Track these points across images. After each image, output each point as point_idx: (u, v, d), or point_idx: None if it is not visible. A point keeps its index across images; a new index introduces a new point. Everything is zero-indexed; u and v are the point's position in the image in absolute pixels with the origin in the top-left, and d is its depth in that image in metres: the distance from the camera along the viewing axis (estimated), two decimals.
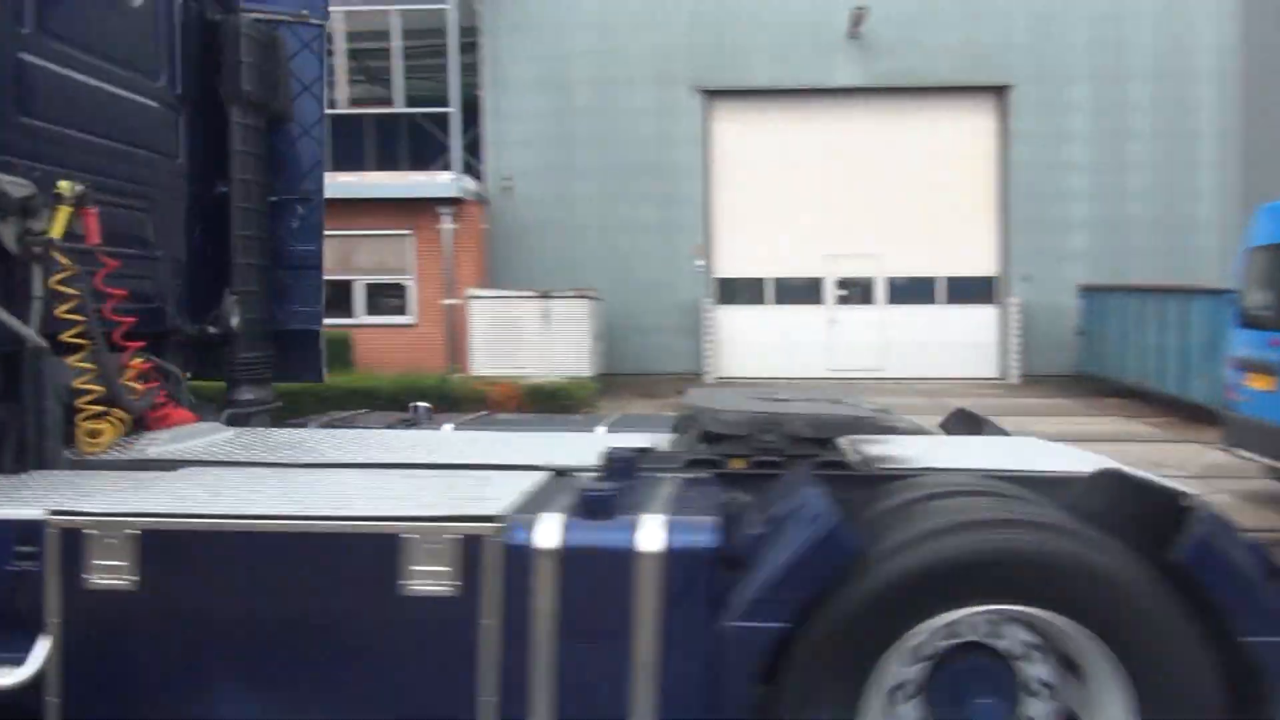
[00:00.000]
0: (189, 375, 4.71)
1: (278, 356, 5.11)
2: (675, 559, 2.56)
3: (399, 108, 16.68)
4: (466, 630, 2.57)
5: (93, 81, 3.90)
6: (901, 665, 2.64)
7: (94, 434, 3.58)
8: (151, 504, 2.81)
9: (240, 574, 2.68)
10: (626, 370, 16.23)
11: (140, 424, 3.92)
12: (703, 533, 2.61)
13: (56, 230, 3.44)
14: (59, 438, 3.49)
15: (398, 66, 15.95)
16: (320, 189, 5.31)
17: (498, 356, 14.39)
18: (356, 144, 21.75)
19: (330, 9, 16.47)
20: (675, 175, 17.02)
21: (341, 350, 14.52)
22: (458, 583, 2.57)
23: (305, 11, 5.11)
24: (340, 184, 16.21)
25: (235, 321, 4.71)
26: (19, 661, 2.60)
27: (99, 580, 2.62)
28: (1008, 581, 2.53)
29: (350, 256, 16.20)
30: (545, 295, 14.73)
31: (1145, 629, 2.48)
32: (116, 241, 3.93)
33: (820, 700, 2.51)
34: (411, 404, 5.07)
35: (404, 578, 2.58)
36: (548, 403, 7.52)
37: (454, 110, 15.86)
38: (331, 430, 4.38)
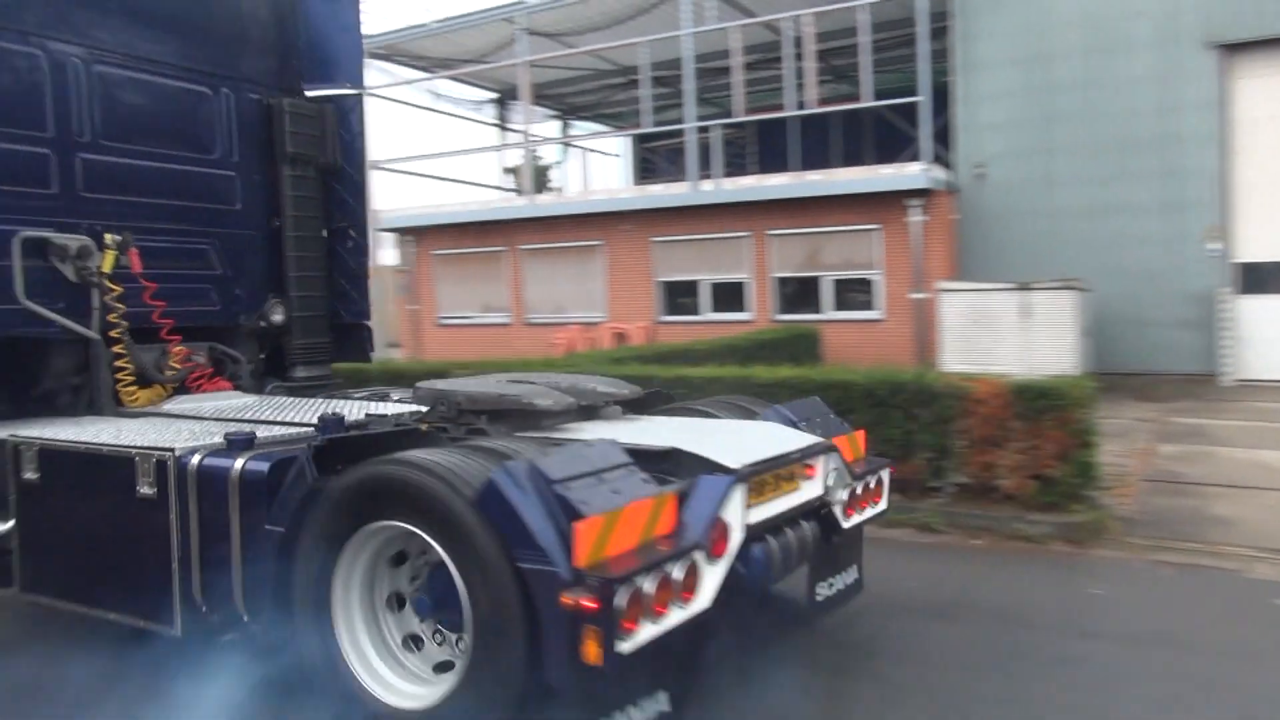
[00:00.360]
0: (263, 356, 6.58)
1: (335, 343, 6.75)
2: (245, 479, 3.91)
3: (866, 103, 16.56)
4: (164, 519, 4.08)
5: (149, 161, 5.88)
6: (408, 586, 3.72)
7: (132, 395, 5.58)
8: (71, 435, 4.60)
9: (76, 474, 4.43)
10: (1120, 368, 14.51)
11: (185, 389, 5.87)
12: (263, 464, 3.90)
13: (106, 266, 5.45)
14: (110, 396, 5.53)
15: (865, 62, 15.84)
16: (365, 217, 6.96)
17: (969, 352, 13.65)
18: (823, 143, 22.15)
19: (799, 14, 16.69)
20: (1181, 147, 14.84)
21: (811, 344, 14.81)
22: (156, 489, 4.11)
23: (347, 85, 6.81)
24: (808, 183, 16.57)
25: (276, 318, 6.49)
26: (5, 519, 4.65)
27: (28, 474, 4.55)
28: (376, 499, 3.50)
29: (818, 254, 16.46)
30: (1024, 287, 13.65)
31: (468, 546, 3.21)
32: (183, 265, 6.04)
33: (300, 586, 3.68)
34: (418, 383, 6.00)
35: (138, 484, 4.16)
36: (1036, 402, 6.91)
37: (923, 99, 15.36)
38: (295, 400, 5.78)
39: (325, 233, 6.77)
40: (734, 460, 3.73)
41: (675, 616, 3.22)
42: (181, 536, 4.03)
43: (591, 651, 2.96)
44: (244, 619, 3.94)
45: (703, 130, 17.38)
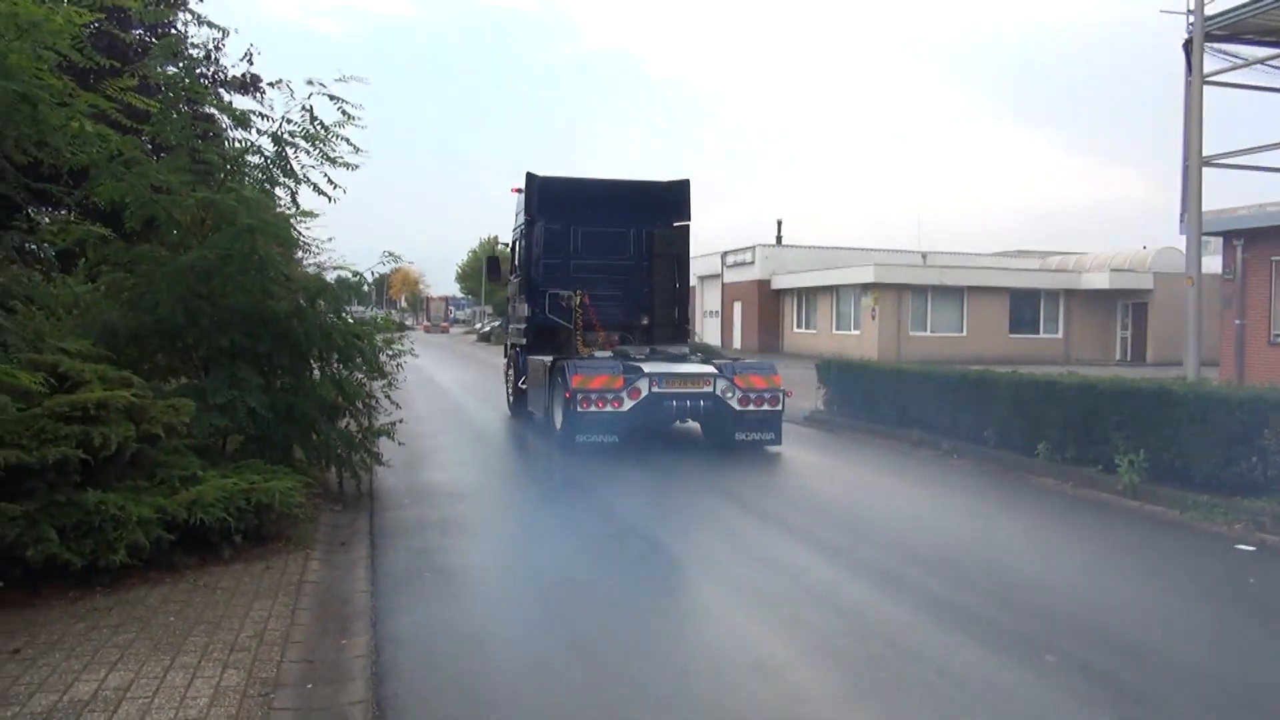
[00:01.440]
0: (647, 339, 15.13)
1: (672, 333, 14.93)
2: (545, 365, 13.83)
3: None
4: (551, 379, 13.34)
5: (600, 261, 15.20)
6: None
7: (579, 349, 14.31)
8: (543, 358, 14.26)
9: (535, 367, 14.76)
10: None
11: (601, 348, 14.37)
12: (549, 361, 13.64)
13: (576, 304, 14.70)
14: (573, 348, 14.29)
15: None
16: (688, 279, 15.45)
17: None
18: None
19: None
20: None
21: None
22: (541, 372, 14.06)
23: (686, 219, 15.38)
24: None
25: (645, 321, 15.14)
26: (523, 382, 16.14)
27: (524, 366, 15.83)
28: (555, 371, 13.17)
29: None
30: None
31: (561, 381, 12.76)
32: (608, 301, 15.07)
33: (549, 398, 13.43)
34: (621, 345, 14.51)
35: (536, 372, 14.59)
36: None
37: None
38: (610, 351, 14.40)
39: (677, 285, 15.11)
40: (650, 371, 12.35)
41: (610, 410, 12.02)
42: (546, 384, 13.26)
43: (573, 409, 12.03)
44: (552, 414, 13.05)
45: None
